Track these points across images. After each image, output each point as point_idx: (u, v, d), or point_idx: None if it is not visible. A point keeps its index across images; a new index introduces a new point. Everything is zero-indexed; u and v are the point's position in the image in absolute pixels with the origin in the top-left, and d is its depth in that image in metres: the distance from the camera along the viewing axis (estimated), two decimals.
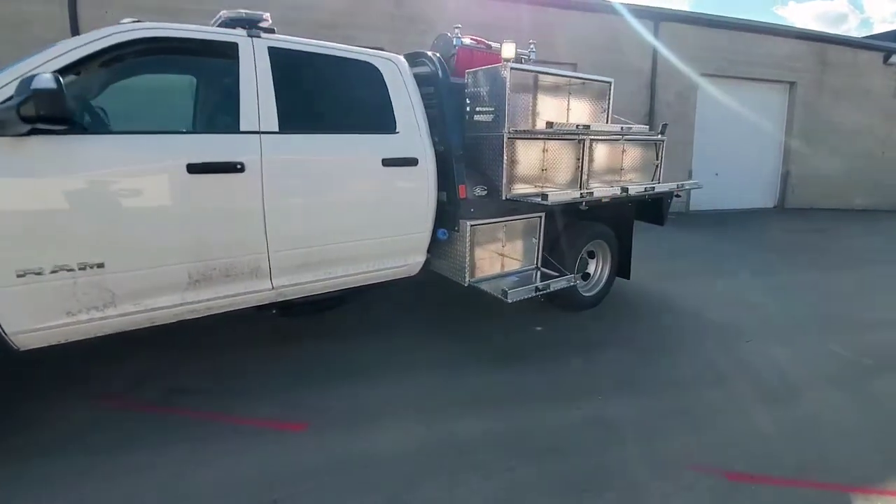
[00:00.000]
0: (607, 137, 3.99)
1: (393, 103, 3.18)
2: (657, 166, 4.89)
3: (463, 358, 3.44)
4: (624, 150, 4.67)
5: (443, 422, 2.67)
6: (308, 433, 2.52)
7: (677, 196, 4.94)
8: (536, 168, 3.73)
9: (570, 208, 4.03)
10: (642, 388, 3.09)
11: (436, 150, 3.39)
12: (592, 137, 3.81)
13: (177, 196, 2.41)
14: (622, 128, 3.67)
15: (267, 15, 2.85)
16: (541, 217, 3.83)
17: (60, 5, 7.25)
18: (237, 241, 2.63)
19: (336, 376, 3.11)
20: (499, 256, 3.77)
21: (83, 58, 2.28)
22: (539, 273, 3.91)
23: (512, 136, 3.43)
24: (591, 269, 4.66)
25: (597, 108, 4.21)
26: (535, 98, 4.08)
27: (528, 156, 3.63)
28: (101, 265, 2.27)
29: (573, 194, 3.46)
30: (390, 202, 3.18)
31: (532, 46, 4.77)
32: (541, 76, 3.83)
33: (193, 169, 2.42)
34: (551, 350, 3.62)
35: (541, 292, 3.46)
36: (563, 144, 3.80)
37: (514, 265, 3.85)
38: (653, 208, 5.16)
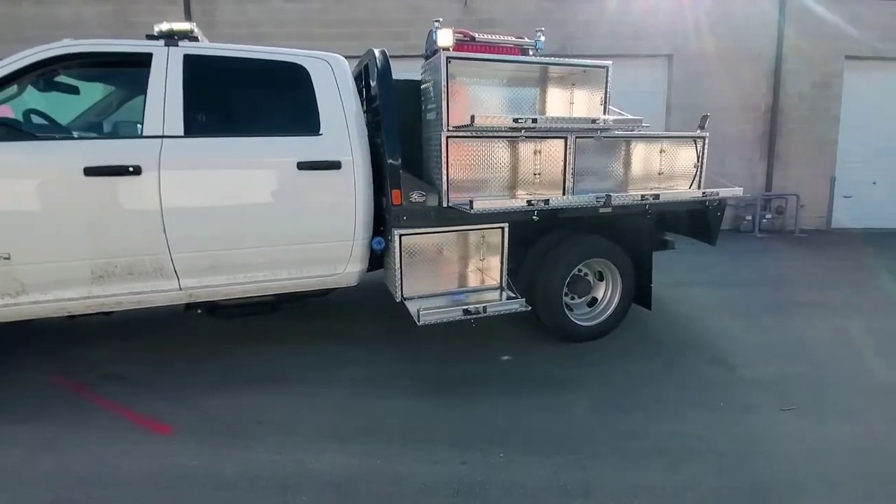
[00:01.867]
0: (560, 135, 3.24)
1: (319, 104, 3.03)
2: (697, 168, 3.91)
3: (390, 381, 3.11)
4: (662, 150, 3.87)
5: (304, 450, 2.41)
6: (165, 438, 2.49)
7: (708, 205, 3.87)
8: (503, 171, 3.24)
9: (556, 218, 3.42)
10: (568, 453, 2.40)
11: (378, 153, 3.16)
12: (531, 135, 3.14)
13: (73, 197, 2.60)
14: (596, 120, 2.95)
15: (194, 25, 2.94)
16: (503, 228, 3.29)
17: None
18: (135, 241, 2.74)
19: (248, 383, 3.05)
20: (448, 272, 3.34)
21: (15, 72, 2.60)
22: (504, 294, 3.37)
23: (452, 134, 3.02)
24: (599, 293, 3.88)
25: (596, 98, 3.52)
26: (543, 93, 3.61)
27: (482, 157, 3.17)
28: (7, 257, 2.55)
29: (516, 203, 2.89)
30: (309, 207, 3.02)
31: (539, 35, 4.20)
32: (549, 67, 3.38)
33: (90, 171, 2.58)
34: (494, 385, 3.07)
35: (472, 316, 2.96)
36: (533, 142, 3.23)
37: (471, 282, 3.38)
38: (697, 223, 4.15)
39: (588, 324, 3.77)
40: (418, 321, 2.84)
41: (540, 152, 3.28)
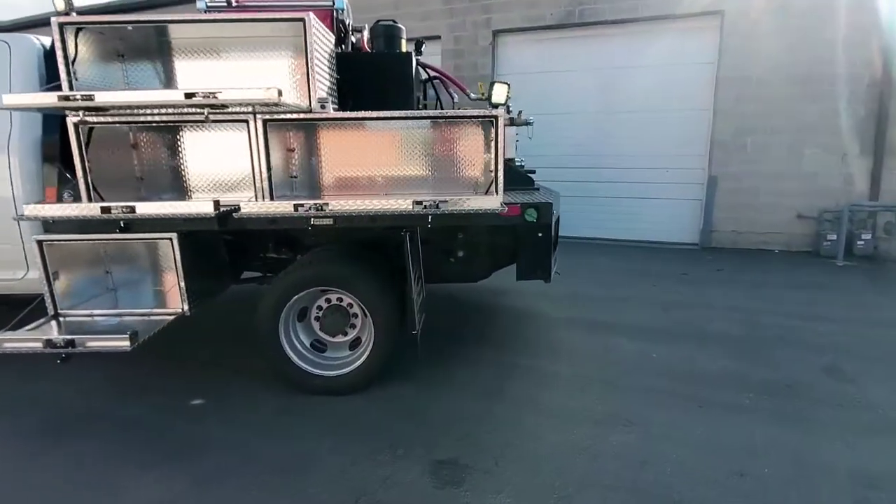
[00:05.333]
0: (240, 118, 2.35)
1: None
2: (495, 165, 2.62)
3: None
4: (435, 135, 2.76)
5: None
6: None
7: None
8: (168, 167, 2.56)
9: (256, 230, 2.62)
10: None
11: None
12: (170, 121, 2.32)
13: None
14: (194, 94, 2.03)
15: None
16: (171, 239, 2.57)
17: None
18: None
19: None
20: (123, 288, 2.77)
21: None
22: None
23: (84, 121, 2.42)
24: (365, 332, 2.89)
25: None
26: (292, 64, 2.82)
27: (137, 150, 2.52)
28: None
29: (79, 209, 2.17)
30: None
31: None
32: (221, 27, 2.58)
33: None
34: (113, 433, 2.43)
35: (61, 350, 2.31)
36: (197, 129, 2.46)
37: (144, 303, 2.75)
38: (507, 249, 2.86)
39: (326, 373, 2.81)
40: None
41: (216, 142, 2.49)
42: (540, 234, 2.59)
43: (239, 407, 2.70)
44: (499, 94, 2.54)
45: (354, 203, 2.32)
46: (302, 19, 2.37)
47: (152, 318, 2.68)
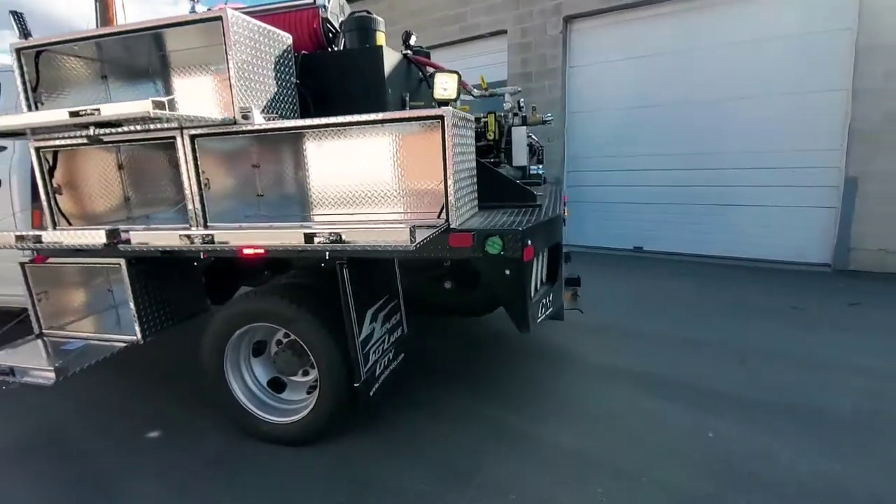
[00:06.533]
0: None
1: None
2: (444, 179, 2.06)
3: None
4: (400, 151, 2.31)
5: None
6: None
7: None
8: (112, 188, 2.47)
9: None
10: None
11: None
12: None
13: None
14: (80, 113, 1.78)
15: None
16: (120, 264, 2.44)
17: None
18: None
19: None
20: (98, 312, 2.74)
21: None
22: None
23: (43, 144, 2.41)
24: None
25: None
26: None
27: (88, 171, 2.46)
28: None
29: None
30: None
31: None
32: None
33: None
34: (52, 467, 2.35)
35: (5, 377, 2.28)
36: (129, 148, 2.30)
37: (109, 329, 2.69)
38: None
39: (273, 419, 2.48)
40: None
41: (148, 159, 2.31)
42: (507, 272, 1.94)
43: (182, 446, 2.48)
44: (445, 87, 1.94)
45: (236, 236, 1.94)
46: (219, 17, 2.05)
47: (112, 343, 2.62)
